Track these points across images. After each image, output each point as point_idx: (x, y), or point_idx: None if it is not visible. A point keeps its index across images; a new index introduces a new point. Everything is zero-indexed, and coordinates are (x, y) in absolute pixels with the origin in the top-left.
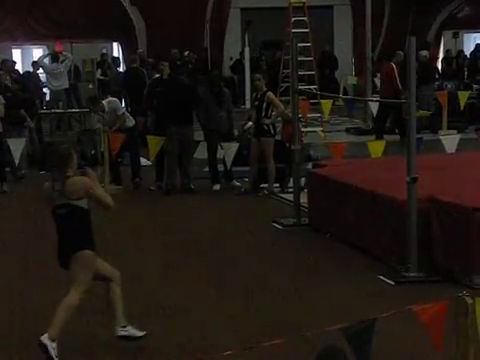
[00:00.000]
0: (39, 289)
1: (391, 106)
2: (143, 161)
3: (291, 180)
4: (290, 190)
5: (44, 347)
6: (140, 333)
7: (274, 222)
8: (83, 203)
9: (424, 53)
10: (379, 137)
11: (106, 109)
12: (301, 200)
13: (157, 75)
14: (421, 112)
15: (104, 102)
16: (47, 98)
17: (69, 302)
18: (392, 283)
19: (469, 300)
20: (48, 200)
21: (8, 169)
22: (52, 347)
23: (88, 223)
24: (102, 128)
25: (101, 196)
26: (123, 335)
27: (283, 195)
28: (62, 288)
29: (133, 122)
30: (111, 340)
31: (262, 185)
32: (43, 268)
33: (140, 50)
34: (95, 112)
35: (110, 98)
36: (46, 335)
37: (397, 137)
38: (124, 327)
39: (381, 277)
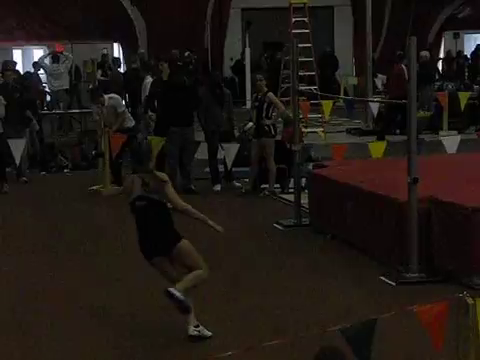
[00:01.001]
0: (39, 288)
1: (400, 107)
2: None
3: (292, 181)
4: (291, 191)
5: (171, 295)
6: (209, 333)
7: (275, 223)
8: (158, 196)
9: (424, 53)
10: (380, 138)
11: (106, 103)
12: (302, 201)
13: (148, 76)
14: (421, 113)
15: (106, 96)
16: (48, 98)
17: (200, 274)
18: (393, 283)
19: (470, 300)
20: (127, 192)
21: (9, 169)
22: (179, 294)
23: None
24: (101, 123)
25: (172, 198)
26: (195, 335)
27: (284, 196)
28: (62, 289)
29: (133, 122)
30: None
31: (263, 186)
32: (43, 268)
33: (141, 51)
34: (95, 103)
35: (112, 94)
36: (172, 288)
37: (397, 138)
38: (197, 327)
39: (382, 277)
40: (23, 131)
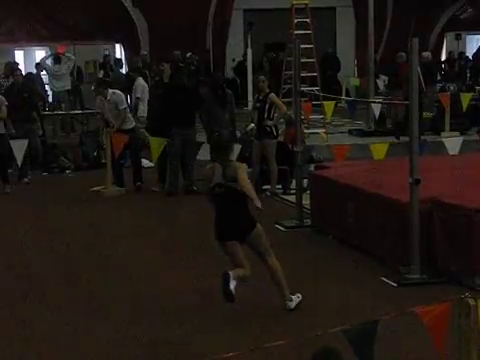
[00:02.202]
0: (40, 288)
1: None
2: (146, 162)
3: (293, 182)
4: (292, 192)
5: (295, 307)
6: (299, 298)
7: (276, 224)
8: (235, 184)
9: (426, 54)
10: (398, 137)
11: (108, 97)
12: (303, 202)
13: (139, 77)
14: (424, 114)
15: (109, 91)
16: (50, 99)
17: (277, 267)
18: (395, 285)
19: (471, 302)
20: (208, 181)
21: (10, 170)
22: (296, 300)
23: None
24: (102, 117)
25: (244, 185)
26: (292, 308)
27: (285, 196)
28: (61, 290)
29: (133, 124)
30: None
31: (264, 186)
32: (44, 269)
33: (144, 52)
34: (98, 93)
35: (116, 90)
36: (287, 302)
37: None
38: (291, 300)
39: (384, 279)
40: (31, 132)
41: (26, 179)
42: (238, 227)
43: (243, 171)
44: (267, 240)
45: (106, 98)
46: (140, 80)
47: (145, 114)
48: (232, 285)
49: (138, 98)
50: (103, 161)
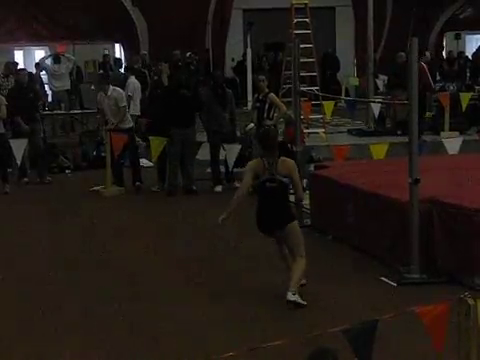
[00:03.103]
0: (39, 289)
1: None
2: (145, 162)
3: None
4: (292, 192)
5: (293, 302)
6: (304, 303)
7: None
8: (287, 180)
9: (426, 54)
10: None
11: (109, 93)
12: (303, 201)
13: (132, 76)
14: (428, 114)
15: (111, 87)
16: (49, 99)
17: (301, 266)
18: (394, 284)
19: (471, 301)
20: (254, 174)
21: (10, 170)
22: (298, 298)
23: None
24: (101, 117)
25: (298, 182)
26: (291, 300)
27: None
28: (62, 289)
29: (131, 123)
30: None
31: None
32: (43, 268)
33: (143, 52)
34: (99, 89)
35: (116, 87)
36: (290, 293)
37: (398, 138)
38: (294, 293)
39: (383, 278)
40: (35, 132)
41: (26, 179)
42: (280, 219)
43: (297, 173)
44: (302, 238)
45: (106, 94)
46: (132, 78)
47: (137, 113)
48: (298, 299)
49: (130, 96)
50: (103, 154)
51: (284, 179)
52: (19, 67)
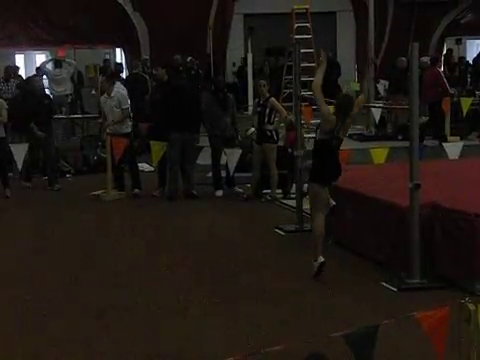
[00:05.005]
0: (39, 292)
1: (435, 110)
2: (146, 167)
3: (294, 186)
4: (293, 196)
5: (324, 264)
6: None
7: (276, 228)
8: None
9: (425, 59)
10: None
11: (112, 94)
12: (303, 206)
13: (118, 82)
14: (424, 118)
15: (115, 88)
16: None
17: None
18: (395, 289)
19: (471, 306)
20: (329, 127)
21: (11, 174)
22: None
23: None
24: (103, 119)
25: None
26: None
27: (286, 201)
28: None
29: (130, 128)
30: None
31: (264, 191)
32: (43, 272)
33: (145, 57)
34: (105, 88)
35: (121, 90)
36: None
37: (400, 143)
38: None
39: (384, 283)
40: (48, 138)
41: (29, 184)
42: (338, 171)
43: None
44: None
45: (109, 95)
46: (118, 84)
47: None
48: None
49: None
50: (103, 155)
51: (343, 137)
52: (23, 71)
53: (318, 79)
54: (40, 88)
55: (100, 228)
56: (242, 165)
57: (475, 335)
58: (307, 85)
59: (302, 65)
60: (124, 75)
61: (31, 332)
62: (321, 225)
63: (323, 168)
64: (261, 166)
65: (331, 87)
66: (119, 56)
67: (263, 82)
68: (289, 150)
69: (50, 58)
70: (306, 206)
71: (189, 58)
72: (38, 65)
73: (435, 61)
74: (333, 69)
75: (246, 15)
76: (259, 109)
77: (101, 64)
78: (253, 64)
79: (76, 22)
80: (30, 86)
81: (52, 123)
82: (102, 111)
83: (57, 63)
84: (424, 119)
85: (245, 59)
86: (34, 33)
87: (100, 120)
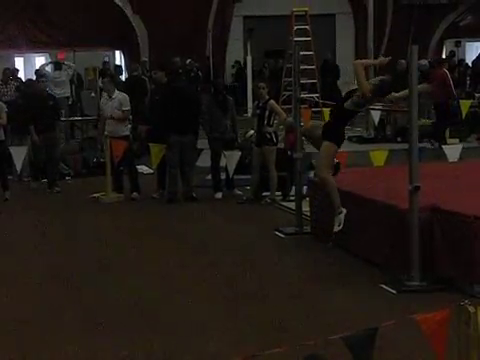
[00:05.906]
0: (38, 295)
1: (446, 112)
2: (145, 169)
3: (293, 188)
4: (292, 198)
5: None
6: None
7: (276, 230)
8: None
9: (424, 62)
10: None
11: (113, 96)
12: (303, 208)
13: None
14: (423, 121)
15: (116, 90)
16: None
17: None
18: (394, 292)
19: (471, 309)
20: (360, 106)
21: (10, 177)
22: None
23: None
24: (102, 121)
25: None
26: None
27: (285, 203)
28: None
29: (128, 132)
30: None
31: (264, 193)
32: (42, 275)
33: (144, 59)
34: (106, 90)
35: (122, 93)
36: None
37: (399, 145)
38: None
39: (383, 286)
40: (53, 140)
41: (36, 184)
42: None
43: None
44: None
45: (111, 96)
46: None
47: None
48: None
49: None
50: (102, 160)
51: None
52: (23, 74)
53: (362, 61)
54: (44, 89)
55: (99, 230)
56: (241, 167)
57: (475, 337)
58: (306, 87)
59: (301, 67)
60: (123, 77)
61: (30, 333)
62: (332, 178)
63: (343, 133)
64: (260, 168)
65: (329, 89)
66: (118, 58)
67: (262, 84)
68: (288, 152)
69: (49, 60)
70: (306, 208)
71: (188, 60)
72: (37, 67)
73: (440, 62)
74: (332, 71)
75: (246, 17)
76: (258, 111)
77: (100, 66)
78: (252, 66)
79: (76, 24)
80: (34, 89)
81: (58, 124)
82: (102, 113)
83: (57, 65)
84: (428, 121)
85: (241, 61)
86: (34, 35)
87: (99, 124)
